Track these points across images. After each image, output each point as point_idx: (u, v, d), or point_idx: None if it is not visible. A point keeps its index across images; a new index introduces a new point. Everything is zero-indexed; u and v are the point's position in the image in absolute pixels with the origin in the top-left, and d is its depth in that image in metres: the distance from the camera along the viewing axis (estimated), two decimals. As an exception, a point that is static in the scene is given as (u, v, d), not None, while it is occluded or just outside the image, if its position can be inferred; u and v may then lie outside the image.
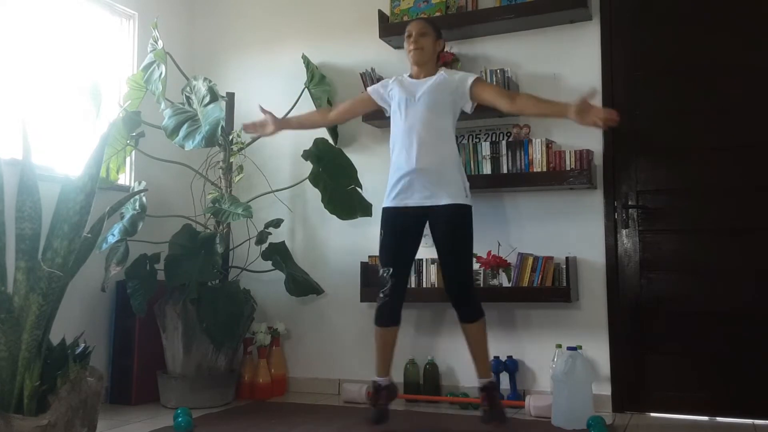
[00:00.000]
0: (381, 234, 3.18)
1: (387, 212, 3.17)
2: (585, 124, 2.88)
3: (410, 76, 3.28)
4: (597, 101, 3.59)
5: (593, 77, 3.63)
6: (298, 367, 4.17)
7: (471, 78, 3.18)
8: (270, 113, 3.41)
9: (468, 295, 3.08)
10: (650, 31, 3.60)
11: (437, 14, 3.83)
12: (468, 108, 3.19)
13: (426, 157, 3.06)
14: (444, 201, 3.05)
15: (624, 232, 3.55)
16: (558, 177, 3.50)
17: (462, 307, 3.08)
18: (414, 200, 3.09)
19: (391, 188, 3.16)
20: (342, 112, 3.48)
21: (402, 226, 3.12)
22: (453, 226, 3.06)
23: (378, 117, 3.71)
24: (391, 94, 3.26)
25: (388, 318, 3.10)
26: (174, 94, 3.98)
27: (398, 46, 4.01)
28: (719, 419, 3.30)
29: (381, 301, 3.10)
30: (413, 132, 3.10)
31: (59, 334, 2.35)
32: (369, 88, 3.42)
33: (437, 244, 3.11)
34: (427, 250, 3.41)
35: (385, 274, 3.08)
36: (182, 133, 3.70)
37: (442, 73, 3.22)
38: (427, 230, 3.17)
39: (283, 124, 3.50)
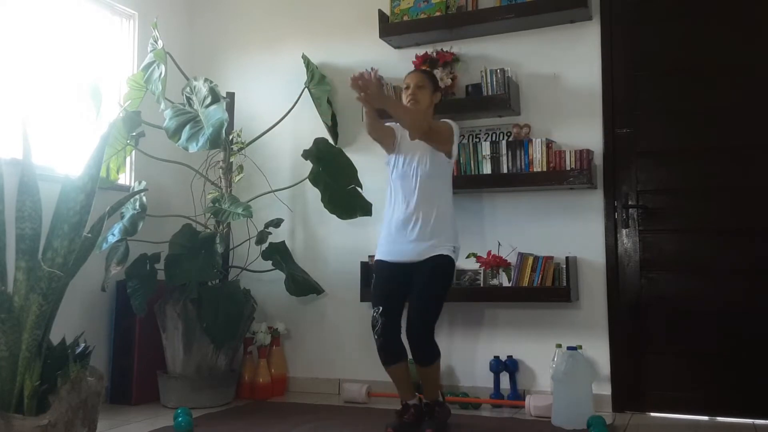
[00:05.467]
0: (374, 277, 3.22)
1: (378, 263, 3.21)
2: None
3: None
4: (596, 101, 3.61)
5: (593, 77, 3.63)
6: (298, 367, 4.17)
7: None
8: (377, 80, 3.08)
9: (425, 344, 3.05)
10: (650, 31, 3.60)
11: (437, 14, 3.82)
12: (449, 159, 3.16)
13: (419, 224, 3.07)
14: (427, 256, 3.06)
15: (624, 231, 3.55)
16: (558, 177, 3.50)
17: (417, 352, 3.05)
18: (403, 257, 3.11)
19: (382, 241, 3.20)
20: (382, 130, 3.24)
21: (392, 277, 3.14)
22: (431, 274, 3.05)
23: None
24: (396, 147, 3.22)
25: (390, 357, 3.10)
26: (174, 94, 3.98)
27: (398, 46, 4.01)
28: (719, 419, 3.30)
29: (378, 343, 3.10)
30: (409, 199, 3.10)
31: (59, 334, 2.35)
32: (393, 125, 3.28)
33: (412, 286, 3.09)
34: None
35: (375, 314, 3.09)
36: (185, 135, 3.67)
37: None
38: None
39: (383, 101, 3.09)
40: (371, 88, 2.94)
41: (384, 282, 3.16)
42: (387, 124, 3.25)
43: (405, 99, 3.20)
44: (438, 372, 3.19)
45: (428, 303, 3.06)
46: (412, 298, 3.08)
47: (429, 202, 3.09)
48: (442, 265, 3.07)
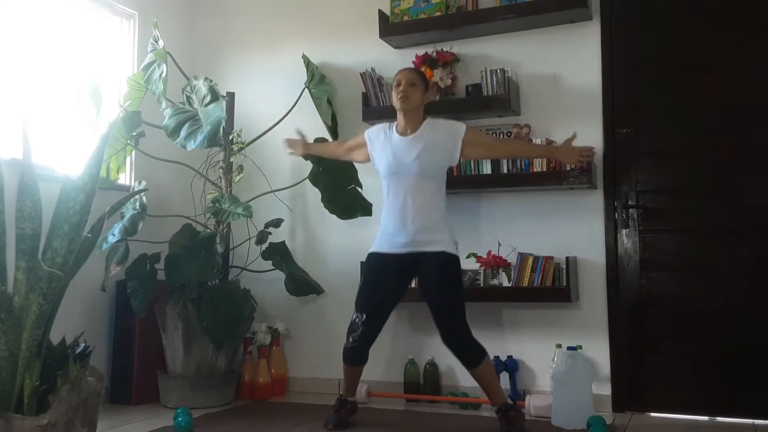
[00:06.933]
0: (361, 279, 3.18)
1: (372, 257, 3.16)
2: (569, 162, 3.22)
3: (397, 129, 3.19)
4: (596, 101, 3.62)
5: (593, 77, 3.63)
6: (298, 367, 4.17)
7: (461, 133, 3.12)
8: (303, 137, 3.60)
9: (467, 345, 3.01)
10: (650, 31, 3.60)
11: (437, 14, 3.82)
12: (455, 162, 3.18)
13: (416, 223, 3.05)
14: (434, 248, 3.03)
15: (624, 232, 3.55)
16: (558, 177, 3.50)
17: (462, 356, 3.03)
18: (404, 249, 3.08)
19: (379, 236, 3.17)
20: (346, 151, 3.44)
21: (385, 271, 3.11)
22: (443, 277, 3.02)
23: (378, 117, 3.72)
24: (377, 152, 3.20)
25: (353, 360, 3.16)
26: (174, 94, 3.98)
27: (398, 46, 4.01)
28: (719, 419, 3.30)
29: (349, 346, 3.09)
30: (403, 198, 3.08)
31: (59, 333, 2.35)
32: (366, 132, 3.31)
33: (427, 294, 3.06)
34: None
35: (357, 320, 3.05)
36: (183, 133, 3.69)
37: (428, 128, 3.14)
38: None
39: (309, 148, 3.62)
40: (296, 150, 3.58)
41: (375, 280, 3.11)
42: (354, 140, 3.39)
43: (395, 96, 3.14)
44: (493, 371, 3.09)
45: (454, 305, 3.01)
46: (433, 305, 3.02)
47: (425, 200, 3.07)
48: (451, 264, 3.06)
